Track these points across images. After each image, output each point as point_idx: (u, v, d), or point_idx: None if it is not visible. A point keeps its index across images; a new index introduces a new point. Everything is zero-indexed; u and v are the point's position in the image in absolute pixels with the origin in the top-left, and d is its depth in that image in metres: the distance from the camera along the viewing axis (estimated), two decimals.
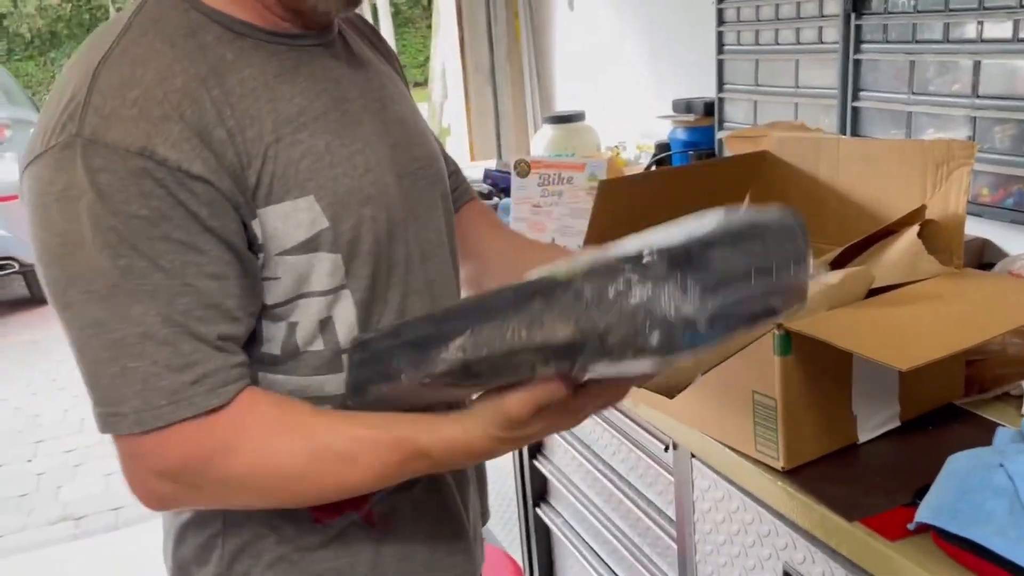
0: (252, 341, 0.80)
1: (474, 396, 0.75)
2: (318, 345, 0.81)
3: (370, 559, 0.88)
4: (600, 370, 0.63)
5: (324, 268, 0.79)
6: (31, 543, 2.85)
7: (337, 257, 0.79)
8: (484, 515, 1.08)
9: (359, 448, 0.74)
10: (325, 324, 0.81)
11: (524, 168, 1.85)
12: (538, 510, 1.85)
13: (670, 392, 0.91)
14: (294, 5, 0.79)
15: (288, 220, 0.76)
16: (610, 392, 0.74)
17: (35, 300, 5.44)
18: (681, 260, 0.59)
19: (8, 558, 2.77)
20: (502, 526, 2.06)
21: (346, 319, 0.81)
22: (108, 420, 0.72)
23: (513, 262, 1.01)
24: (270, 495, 0.77)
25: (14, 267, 4.95)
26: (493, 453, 0.75)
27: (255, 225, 0.76)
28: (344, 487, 0.76)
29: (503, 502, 2.00)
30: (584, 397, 0.71)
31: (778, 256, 0.64)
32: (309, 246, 0.77)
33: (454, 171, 1.10)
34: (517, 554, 1.94)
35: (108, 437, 0.74)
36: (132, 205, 0.69)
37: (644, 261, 0.59)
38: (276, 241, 0.76)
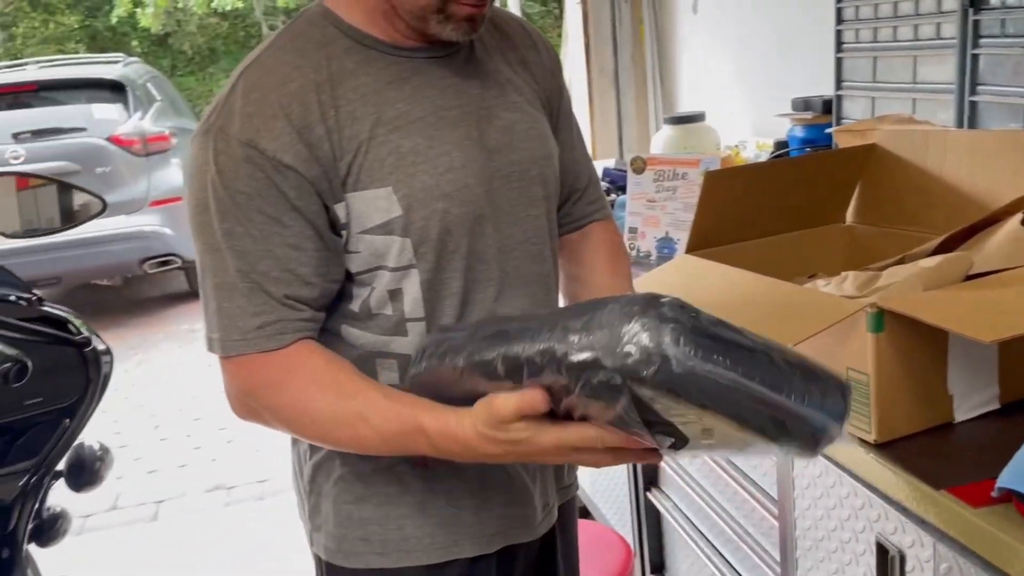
0: (341, 298, 0.97)
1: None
2: (388, 310, 0.96)
3: (420, 492, 1.01)
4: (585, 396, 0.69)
5: (395, 248, 0.93)
6: (189, 508, 3.15)
7: (407, 241, 0.93)
8: (566, 487, 1.15)
9: (373, 411, 0.87)
10: (394, 294, 0.96)
11: (640, 165, 1.94)
12: (649, 494, 1.92)
13: None
14: (423, 30, 0.93)
15: (369, 205, 0.91)
16: (591, 438, 0.76)
17: (194, 294, 5.91)
18: (698, 322, 0.64)
19: (169, 519, 3.08)
20: (615, 510, 2.15)
21: (412, 292, 0.95)
22: (208, 341, 0.93)
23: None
24: (302, 430, 0.94)
25: (177, 263, 5.40)
26: (481, 451, 0.81)
27: (340, 208, 0.91)
28: (356, 440, 0.90)
29: (616, 487, 2.09)
30: (561, 431, 0.76)
31: (810, 391, 0.67)
32: (384, 228, 0.92)
33: (586, 186, 1.17)
34: (629, 535, 2.02)
35: None
36: (239, 182, 0.87)
37: (662, 304, 0.64)
38: (358, 221, 0.92)
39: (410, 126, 0.92)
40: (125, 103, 5.48)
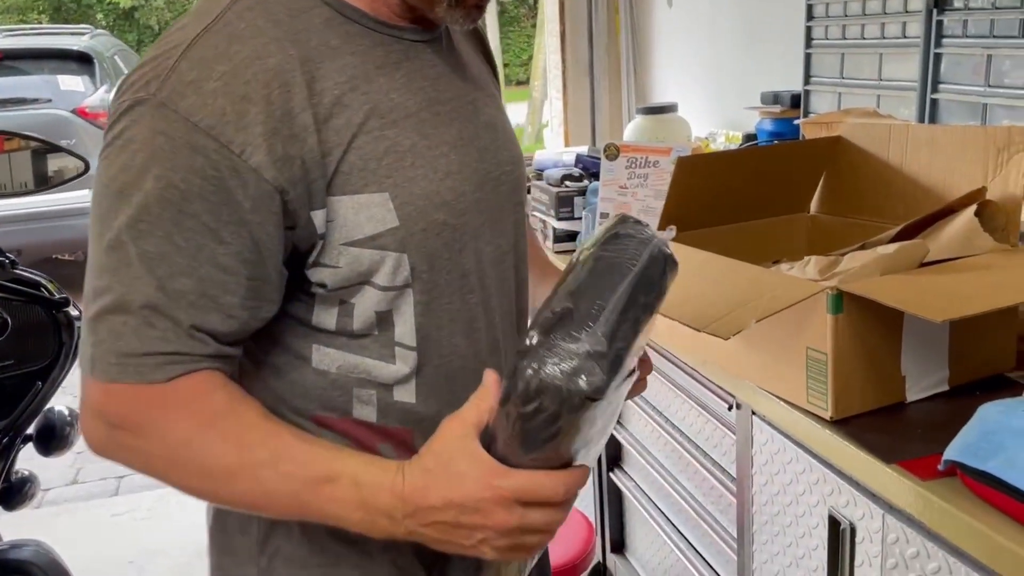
0: (313, 313, 0.81)
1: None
2: (373, 332, 0.81)
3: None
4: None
5: (389, 265, 0.78)
6: (151, 483, 3.12)
7: (403, 256, 0.78)
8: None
9: (285, 456, 0.73)
10: (383, 316, 0.81)
11: (613, 152, 1.97)
12: (612, 475, 1.96)
13: (726, 333, 1.03)
14: (421, 10, 0.80)
15: (360, 212, 0.76)
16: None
17: None
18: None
19: (131, 494, 3.07)
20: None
21: (406, 316, 0.81)
22: (80, 355, 0.76)
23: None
24: (182, 483, 0.75)
25: None
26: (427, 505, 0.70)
27: (318, 215, 0.75)
28: (256, 495, 0.74)
29: None
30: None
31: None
32: (375, 242, 0.77)
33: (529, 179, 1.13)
34: (591, 514, 2.06)
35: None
36: (176, 175, 0.69)
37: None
38: (344, 231, 0.76)
39: (405, 121, 0.79)
40: (92, 75, 5.42)
